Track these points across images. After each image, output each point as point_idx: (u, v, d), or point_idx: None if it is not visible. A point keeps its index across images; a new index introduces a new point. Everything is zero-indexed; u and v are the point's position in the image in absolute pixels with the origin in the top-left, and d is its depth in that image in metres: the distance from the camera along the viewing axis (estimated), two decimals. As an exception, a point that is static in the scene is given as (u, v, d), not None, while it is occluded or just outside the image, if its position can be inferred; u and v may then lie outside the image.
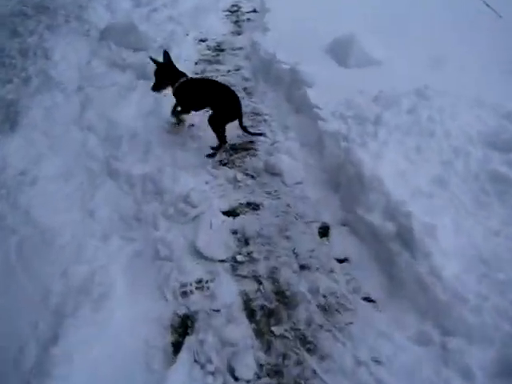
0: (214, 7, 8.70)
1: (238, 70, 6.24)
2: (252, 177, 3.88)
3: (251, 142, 4.41)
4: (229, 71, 6.19)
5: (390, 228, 2.92)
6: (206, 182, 3.72)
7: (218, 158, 4.07)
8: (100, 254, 2.80)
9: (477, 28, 6.15)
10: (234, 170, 3.93)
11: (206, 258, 2.89)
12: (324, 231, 3.24)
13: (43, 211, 3.00)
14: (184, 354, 2.30)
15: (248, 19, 8.77)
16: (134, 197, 3.43)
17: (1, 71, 5.29)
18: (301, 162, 3.96)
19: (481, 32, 6.05)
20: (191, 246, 2.97)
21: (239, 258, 2.95)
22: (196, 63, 6.37)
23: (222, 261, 2.91)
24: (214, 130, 4.03)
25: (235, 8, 9.69)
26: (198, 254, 2.91)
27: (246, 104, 5.15)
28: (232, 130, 4.44)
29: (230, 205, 3.48)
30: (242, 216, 3.36)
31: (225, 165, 4.03)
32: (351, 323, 2.52)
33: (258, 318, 2.55)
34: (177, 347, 2.37)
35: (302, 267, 2.91)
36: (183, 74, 4.08)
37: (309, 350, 2.38)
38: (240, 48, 7.03)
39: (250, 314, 2.58)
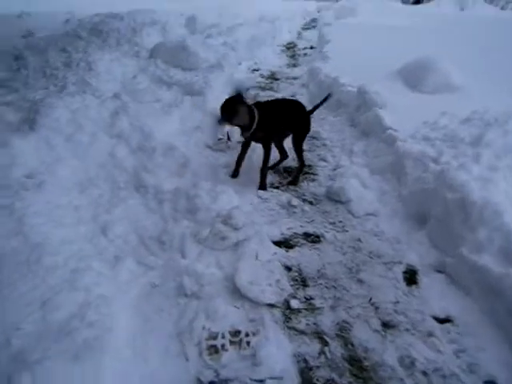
0: (269, 42, 8.38)
1: (292, 96, 5.63)
2: (310, 203, 3.07)
3: (309, 166, 3.64)
4: (284, 97, 5.59)
5: (517, 277, 1.99)
6: (252, 204, 2.95)
7: (268, 180, 3.31)
8: (103, 281, 2.02)
9: None
10: (287, 194, 3.14)
11: (247, 300, 2.04)
12: (411, 277, 2.34)
13: (40, 222, 2.30)
14: None
15: (305, 54, 8.34)
16: (160, 215, 2.69)
17: (40, 80, 4.90)
18: (373, 190, 3.13)
19: None
20: (229, 281, 2.14)
21: (294, 303, 2.09)
22: (247, 89, 5.83)
23: (271, 305, 2.05)
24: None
25: (291, 45, 9.36)
26: (237, 294, 2.07)
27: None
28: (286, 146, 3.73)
29: (283, 233, 2.67)
30: (297, 249, 2.53)
31: (276, 188, 3.26)
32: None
33: (322, 398, 1.65)
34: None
35: (386, 325, 2.00)
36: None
37: None
38: (296, 78, 6.49)
39: (310, 390, 1.68)
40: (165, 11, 8.51)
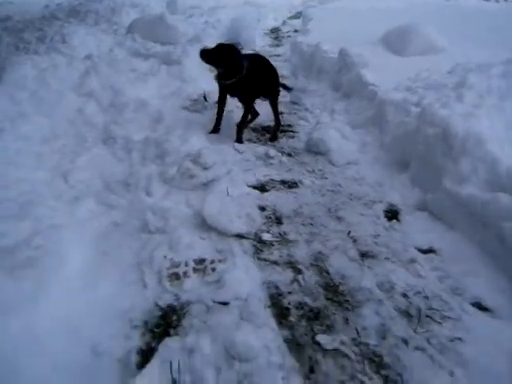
0: (253, 25, 8.23)
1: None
2: (289, 155, 2.93)
3: (289, 125, 3.50)
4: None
5: (504, 201, 1.85)
6: (228, 155, 2.79)
7: (244, 137, 3.16)
8: (58, 215, 1.86)
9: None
10: (265, 146, 3.00)
11: (215, 231, 1.88)
12: (392, 215, 2.21)
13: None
14: (154, 369, 1.25)
15: (288, 36, 8.21)
16: (128, 163, 2.52)
17: (12, 53, 4.71)
18: (354, 142, 2.99)
19: None
20: (196, 215, 1.99)
21: (266, 236, 1.94)
22: (240, 44, 5.68)
23: (241, 236, 1.90)
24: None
25: (276, 29, 9.23)
26: (205, 226, 1.91)
27: (283, 95, 4.31)
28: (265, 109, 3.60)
29: (258, 179, 2.52)
30: (273, 192, 2.38)
31: (254, 143, 3.12)
32: (459, 340, 1.42)
33: (292, 320, 1.49)
34: (144, 357, 1.34)
35: (364, 255, 1.86)
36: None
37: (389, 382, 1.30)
38: (279, 55, 6.34)
39: (280, 313, 1.52)
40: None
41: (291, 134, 3.33)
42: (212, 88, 4.15)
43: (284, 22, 11.04)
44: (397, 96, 2.99)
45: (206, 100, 3.62)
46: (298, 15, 13.25)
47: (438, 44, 4.39)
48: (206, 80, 4.42)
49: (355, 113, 3.45)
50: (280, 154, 2.89)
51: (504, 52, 3.62)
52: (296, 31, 8.83)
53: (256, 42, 7.11)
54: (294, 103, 4.09)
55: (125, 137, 2.78)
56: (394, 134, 2.77)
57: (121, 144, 2.72)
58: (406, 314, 1.52)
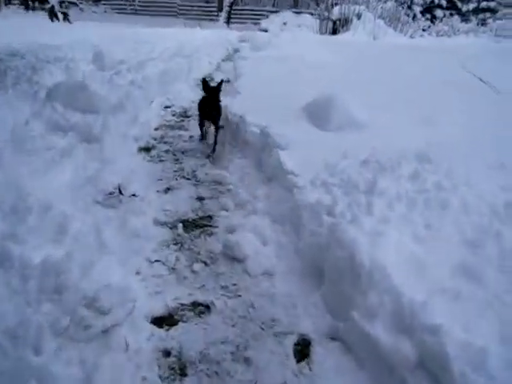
0: (184, 77, 8.18)
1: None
2: (205, 263, 2.83)
3: (209, 216, 3.42)
4: (191, 137, 5.38)
5: (407, 350, 1.85)
6: (138, 273, 2.65)
7: (161, 238, 3.05)
8: None
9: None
10: (181, 255, 2.88)
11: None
12: (303, 349, 2.15)
13: None
14: None
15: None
16: (24, 297, 2.30)
17: None
18: (271, 244, 2.95)
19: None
20: (88, 380, 1.81)
21: (164, 405, 1.81)
22: (156, 128, 5.56)
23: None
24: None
25: (208, 78, 9.22)
26: (95, 401, 1.75)
27: (207, 172, 4.25)
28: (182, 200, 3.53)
29: (167, 306, 2.39)
30: (181, 325, 2.26)
31: (170, 245, 3.00)
32: None
33: None
34: None
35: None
36: None
37: None
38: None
39: None
40: (71, 46, 8.08)
41: (210, 230, 3.24)
42: (130, 172, 4.03)
43: (218, 66, 11.07)
44: (311, 197, 2.99)
45: (121, 193, 3.45)
46: (234, 54, 13.41)
47: (358, 118, 4.52)
48: (126, 161, 4.28)
49: (276, 200, 3.44)
50: (195, 263, 2.79)
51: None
52: (229, 81, 8.88)
53: (185, 97, 7.06)
54: (218, 183, 4.03)
55: (23, 257, 2.55)
56: (308, 241, 2.75)
57: (17, 269, 2.49)
58: None
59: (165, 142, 5.10)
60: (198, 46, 11.11)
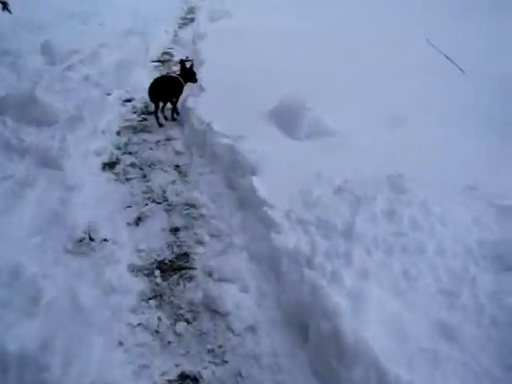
0: (141, 59, 7.69)
1: (168, 140, 5.20)
2: (187, 321, 2.81)
3: (185, 254, 3.36)
4: (158, 142, 5.15)
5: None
6: (120, 343, 2.61)
7: (139, 289, 2.99)
8: None
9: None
10: (161, 312, 2.85)
11: None
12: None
13: None
14: None
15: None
16: (5, 392, 2.25)
17: None
18: (252, 291, 2.95)
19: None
20: None
21: None
22: (118, 133, 5.27)
23: None
24: None
25: (166, 58, 8.68)
26: None
27: (178, 192, 4.12)
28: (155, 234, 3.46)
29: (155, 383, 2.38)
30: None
31: (149, 300, 2.94)
32: None
33: None
34: None
35: None
36: None
37: None
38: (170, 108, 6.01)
39: None
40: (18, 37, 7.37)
41: (188, 273, 3.19)
42: (97, 202, 3.86)
43: (176, 35, 10.40)
44: (290, 242, 2.96)
45: (91, 239, 3.32)
46: (191, 15, 12.60)
47: (327, 125, 4.42)
48: (91, 185, 4.10)
49: (253, 236, 3.39)
50: (178, 322, 2.76)
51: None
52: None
53: (144, 87, 6.67)
54: (190, 205, 3.93)
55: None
56: (290, 296, 2.74)
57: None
58: None
59: (129, 153, 4.87)
60: (150, 12, 10.31)
